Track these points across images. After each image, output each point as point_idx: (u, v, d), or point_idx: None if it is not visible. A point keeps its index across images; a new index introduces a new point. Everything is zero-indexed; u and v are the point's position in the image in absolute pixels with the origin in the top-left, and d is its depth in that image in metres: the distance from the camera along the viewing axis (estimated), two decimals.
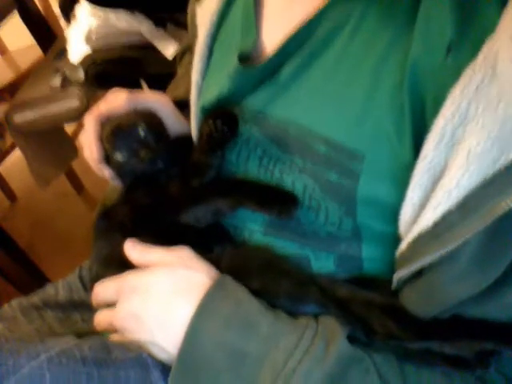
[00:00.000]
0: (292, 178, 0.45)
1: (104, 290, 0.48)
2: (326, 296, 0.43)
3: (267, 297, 0.43)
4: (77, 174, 1.89)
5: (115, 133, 0.53)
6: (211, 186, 0.51)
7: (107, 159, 0.56)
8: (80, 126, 1.84)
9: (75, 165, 1.82)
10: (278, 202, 0.46)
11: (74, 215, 1.85)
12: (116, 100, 0.55)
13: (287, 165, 0.45)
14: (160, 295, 0.43)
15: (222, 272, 0.46)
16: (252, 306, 0.42)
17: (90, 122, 0.55)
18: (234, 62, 0.48)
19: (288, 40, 0.44)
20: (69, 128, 1.73)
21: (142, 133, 0.52)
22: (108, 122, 0.55)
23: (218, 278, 0.44)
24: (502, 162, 0.32)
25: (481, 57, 0.33)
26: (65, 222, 1.83)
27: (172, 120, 0.58)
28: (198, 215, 0.50)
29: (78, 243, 1.69)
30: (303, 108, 0.43)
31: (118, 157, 0.53)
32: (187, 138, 0.57)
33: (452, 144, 0.34)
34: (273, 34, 0.47)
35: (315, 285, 0.43)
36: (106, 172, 0.57)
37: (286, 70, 0.45)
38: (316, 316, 0.42)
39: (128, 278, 0.46)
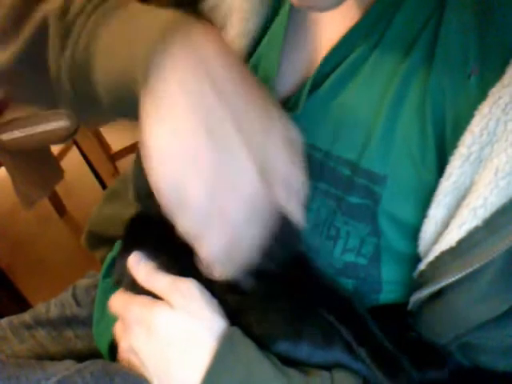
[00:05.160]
0: (317, 204, 0.44)
1: (113, 303, 0.46)
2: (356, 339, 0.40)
3: (287, 343, 0.40)
4: (59, 196, 1.85)
5: None
6: None
7: None
8: (67, 147, 1.80)
9: (58, 187, 1.77)
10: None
11: (55, 238, 1.79)
12: None
13: (311, 190, 0.44)
14: (160, 342, 0.40)
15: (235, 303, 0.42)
16: (264, 369, 0.38)
17: None
18: None
19: (314, 74, 0.43)
20: (54, 150, 1.70)
21: None
22: None
23: (225, 335, 0.40)
24: None
25: (508, 75, 0.33)
26: (46, 245, 1.77)
27: None
28: None
29: (59, 266, 1.65)
30: (329, 134, 0.43)
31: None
32: None
33: (479, 162, 0.34)
34: (293, 68, 0.46)
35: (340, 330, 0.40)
36: None
37: (312, 99, 0.43)
38: (328, 368, 0.40)
39: (132, 308, 0.44)
